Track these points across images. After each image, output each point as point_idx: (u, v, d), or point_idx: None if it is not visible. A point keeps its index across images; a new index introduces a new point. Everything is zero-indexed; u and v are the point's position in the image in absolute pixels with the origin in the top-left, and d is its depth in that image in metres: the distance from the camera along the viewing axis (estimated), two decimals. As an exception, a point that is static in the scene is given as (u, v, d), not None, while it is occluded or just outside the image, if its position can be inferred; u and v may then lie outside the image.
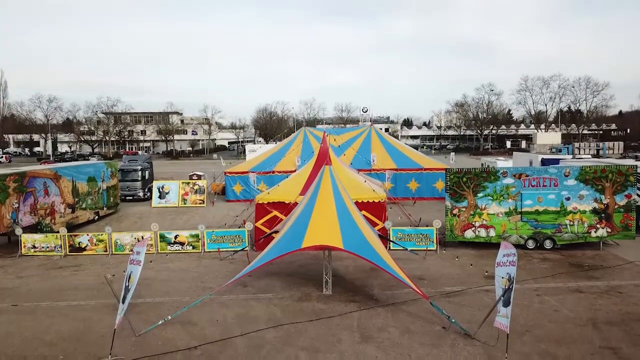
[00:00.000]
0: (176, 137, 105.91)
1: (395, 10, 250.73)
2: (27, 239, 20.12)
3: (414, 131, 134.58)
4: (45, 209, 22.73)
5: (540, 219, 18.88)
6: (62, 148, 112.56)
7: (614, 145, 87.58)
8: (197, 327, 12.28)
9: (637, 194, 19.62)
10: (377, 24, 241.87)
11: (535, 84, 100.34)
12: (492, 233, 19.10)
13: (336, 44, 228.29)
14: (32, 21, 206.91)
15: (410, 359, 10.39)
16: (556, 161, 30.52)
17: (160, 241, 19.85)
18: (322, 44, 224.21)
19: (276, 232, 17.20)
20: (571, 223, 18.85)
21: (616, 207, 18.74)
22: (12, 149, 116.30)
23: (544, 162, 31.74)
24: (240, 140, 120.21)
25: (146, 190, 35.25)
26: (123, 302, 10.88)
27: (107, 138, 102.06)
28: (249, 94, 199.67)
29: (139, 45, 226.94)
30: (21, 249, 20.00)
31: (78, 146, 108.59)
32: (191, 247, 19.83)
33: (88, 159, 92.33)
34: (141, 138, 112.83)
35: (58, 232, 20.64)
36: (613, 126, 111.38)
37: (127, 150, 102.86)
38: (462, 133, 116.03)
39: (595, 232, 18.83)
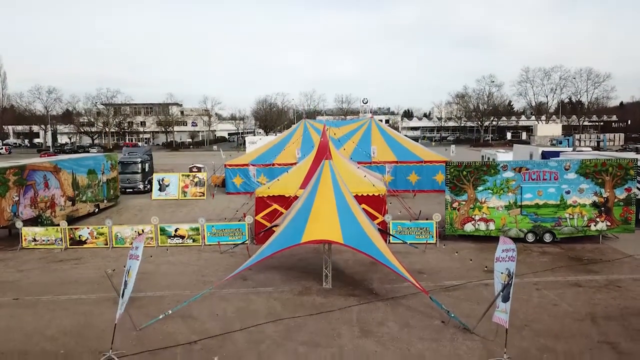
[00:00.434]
0: (176, 128, 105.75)
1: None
2: (28, 232, 20.15)
3: (414, 122, 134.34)
4: (46, 202, 22.74)
5: (540, 213, 18.90)
6: (62, 139, 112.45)
7: (614, 137, 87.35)
8: (197, 321, 12.33)
9: (638, 187, 19.62)
10: (377, 14, 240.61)
11: (537, 75, 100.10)
12: (492, 226, 19.13)
13: (337, 34, 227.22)
14: (30, 12, 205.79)
15: (409, 354, 10.45)
16: (556, 154, 30.45)
17: (161, 234, 19.88)
18: (322, 34, 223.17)
19: (276, 226, 17.22)
20: (571, 216, 18.86)
21: (616, 200, 18.74)
22: (11, 140, 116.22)
23: (545, 154, 31.67)
24: (240, 131, 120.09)
25: (146, 182, 35.26)
26: (122, 297, 10.91)
27: (107, 129, 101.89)
28: (249, 86, 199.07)
29: (139, 35, 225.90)
30: (22, 242, 20.05)
31: (78, 137, 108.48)
32: (191, 240, 19.87)
33: (88, 151, 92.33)
34: (141, 129, 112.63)
35: (58, 225, 20.67)
36: (614, 118, 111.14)
37: (127, 141, 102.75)
38: (462, 124, 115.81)
39: (594, 225, 18.85)
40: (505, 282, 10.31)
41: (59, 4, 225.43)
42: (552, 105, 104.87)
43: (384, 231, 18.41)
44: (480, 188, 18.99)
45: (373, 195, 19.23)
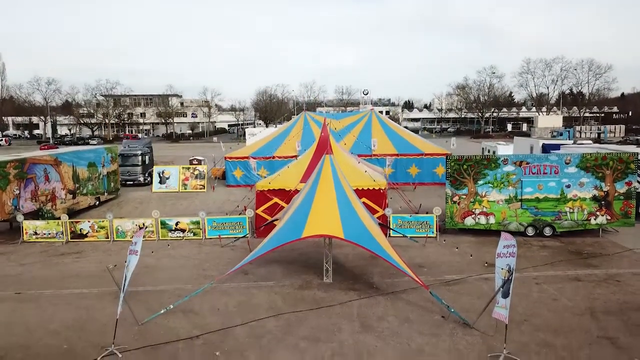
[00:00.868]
0: (176, 119, 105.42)
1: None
2: (29, 226, 20.20)
3: (414, 114, 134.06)
4: (46, 195, 22.76)
5: (540, 207, 18.92)
6: (62, 131, 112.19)
7: (615, 129, 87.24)
8: (198, 315, 12.40)
9: (638, 181, 19.64)
10: (378, 5, 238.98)
11: (538, 66, 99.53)
12: (492, 220, 19.16)
13: (337, 25, 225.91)
14: (29, 2, 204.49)
15: (409, 349, 10.52)
16: (557, 147, 30.43)
17: (161, 228, 19.93)
18: (323, 26, 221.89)
19: (277, 220, 17.25)
20: (571, 210, 18.89)
21: (616, 194, 18.76)
22: (11, 131, 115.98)
23: (545, 147, 31.65)
24: (240, 122, 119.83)
25: (146, 175, 35.28)
26: (122, 292, 10.92)
27: (107, 121, 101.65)
28: (248, 77, 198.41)
29: (138, 26, 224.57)
30: (23, 236, 20.09)
31: (78, 129, 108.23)
32: (192, 233, 19.91)
33: (88, 142, 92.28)
34: (141, 121, 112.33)
35: (59, 218, 20.71)
36: (615, 109, 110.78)
37: (127, 133, 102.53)
38: (462, 116, 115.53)
39: (594, 219, 18.89)
40: (506, 278, 10.34)
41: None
42: (553, 97, 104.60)
43: (384, 225, 18.44)
44: (480, 182, 19.00)
45: (373, 189, 19.25)
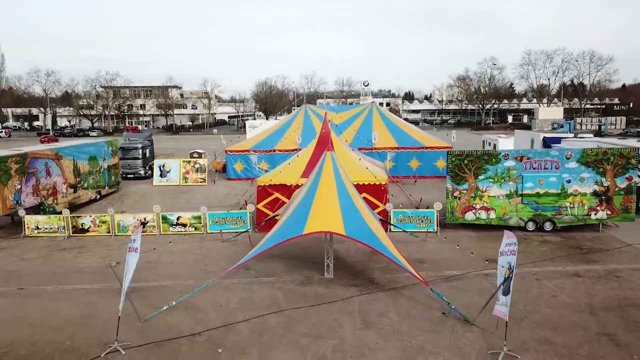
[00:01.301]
0: (176, 111, 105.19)
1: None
2: (31, 220, 20.25)
3: (415, 105, 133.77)
4: (48, 189, 22.80)
5: (540, 202, 18.95)
6: (62, 122, 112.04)
7: (616, 121, 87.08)
8: (200, 312, 12.48)
9: (639, 175, 19.66)
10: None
11: (539, 57, 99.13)
12: (493, 215, 19.21)
13: (337, 15, 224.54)
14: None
15: (410, 346, 10.60)
16: (558, 140, 30.44)
17: (163, 223, 19.99)
18: (323, 17, 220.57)
19: (278, 215, 17.29)
20: (571, 205, 18.93)
21: (617, 189, 18.78)
22: (11, 123, 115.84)
23: (546, 141, 31.64)
24: (240, 114, 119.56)
25: (147, 168, 35.30)
26: (122, 289, 10.91)
27: (107, 112, 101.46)
28: (248, 68, 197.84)
29: (138, 17, 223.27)
30: (24, 230, 20.15)
31: (77, 120, 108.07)
32: (193, 228, 19.97)
33: (88, 134, 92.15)
34: (141, 112, 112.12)
35: (61, 212, 20.77)
36: (616, 100, 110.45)
37: (127, 125, 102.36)
38: (463, 107, 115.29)
39: (595, 214, 18.93)
40: (506, 276, 10.40)
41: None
42: (553, 88, 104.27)
43: (385, 221, 18.50)
44: (481, 177, 19.01)
45: (374, 184, 19.27)
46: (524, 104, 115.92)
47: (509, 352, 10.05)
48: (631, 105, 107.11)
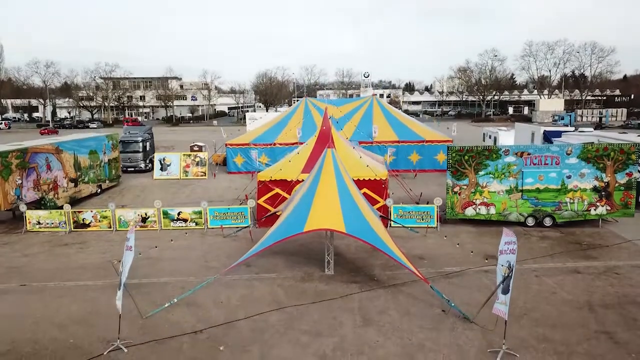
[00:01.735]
0: (176, 102, 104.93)
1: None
2: (32, 215, 20.30)
3: (415, 97, 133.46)
4: (49, 184, 22.83)
5: (540, 197, 18.99)
6: (61, 113, 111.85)
7: (617, 112, 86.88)
8: (202, 308, 12.56)
9: (639, 170, 19.69)
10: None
11: (540, 49, 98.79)
12: (493, 211, 19.25)
13: (338, 5, 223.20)
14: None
15: (410, 343, 10.68)
16: (558, 134, 30.42)
17: (164, 218, 20.04)
18: (323, 9, 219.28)
19: (278, 212, 17.32)
20: (571, 201, 18.97)
21: (617, 185, 18.81)
22: (10, 114, 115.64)
23: (547, 134, 31.61)
24: (240, 105, 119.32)
25: (147, 161, 35.31)
26: (119, 288, 10.93)
27: (106, 104, 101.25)
28: (248, 60, 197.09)
29: (137, 9, 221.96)
30: (26, 225, 20.21)
31: (77, 111, 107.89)
32: (194, 223, 20.03)
33: (87, 126, 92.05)
34: (140, 104, 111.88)
35: (62, 207, 20.82)
36: (617, 92, 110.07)
37: (127, 117, 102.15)
38: (464, 99, 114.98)
39: (594, 210, 18.97)
40: (506, 275, 10.45)
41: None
42: (555, 80, 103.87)
43: (385, 217, 18.56)
44: (481, 172, 19.03)
45: (374, 179, 19.30)
46: (525, 95, 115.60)
47: (507, 350, 10.14)
48: (632, 97, 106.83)
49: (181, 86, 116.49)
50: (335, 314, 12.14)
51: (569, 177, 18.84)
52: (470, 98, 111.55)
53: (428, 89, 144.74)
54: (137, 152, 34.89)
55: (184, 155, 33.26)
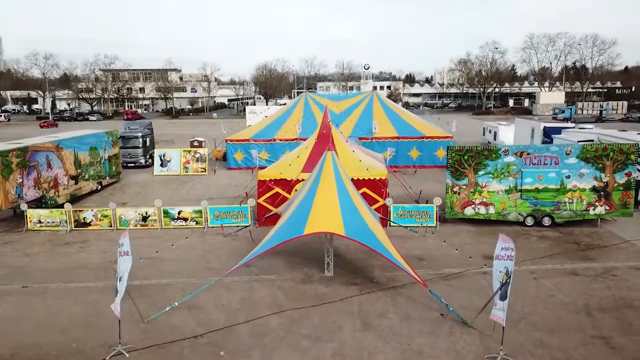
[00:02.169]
0: (175, 94, 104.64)
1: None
2: (33, 214, 20.37)
3: (416, 89, 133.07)
4: (49, 182, 22.88)
5: (539, 197, 19.06)
6: (61, 105, 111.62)
7: (617, 105, 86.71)
8: (203, 311, 12.68)
9: (638, 169, 19.75)
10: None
11: (541, 41, 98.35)
12: (492, 210, 19.33)
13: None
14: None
15: (408, 349, 10.81)
16: (558, 130, 30.42)
17: (164, 217, 20.11)
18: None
19: (278, 213, 17.38)
20: (570, 201, 19.03)
21: (616, 185, 18.86)
22: (10, 106, 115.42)
23: (547, 130, 31.60)
24: (240, 97, 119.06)
25: (147, 157, 35.34)
26: (117, 294, 10.91)
27: (106, 96, 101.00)
28: (248, 51, 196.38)
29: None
30: (27, 224, 20.29)
31: (77, 103, 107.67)
32: (194, 222, 20.11)
33: (87, 118, 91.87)
34: (140, 96, 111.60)
35: (63, 205, 20.90)
36: (618, 84, 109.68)
37: (127, 109, 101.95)
38: (464, 91, 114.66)
39: (593, 209, 19.05)
40: (503, 281, 10.54)
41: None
42: (555, 72, 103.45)
43: (384, 218, 18.64)
44: (481, 172, 19.08)
45: (374, 179, 19.34)
46: (526, 87, 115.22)
47: (505, 356, 10.26)
48: (633, 89, 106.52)
49: (181, 78, 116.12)
50: (334, 317, 12.25)
51: (568, 177, 18.88)
52: (471, 90, 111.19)
53: (428, 81, 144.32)
54: (137, 147, 34.90)
55: (184, 151, 33.28)
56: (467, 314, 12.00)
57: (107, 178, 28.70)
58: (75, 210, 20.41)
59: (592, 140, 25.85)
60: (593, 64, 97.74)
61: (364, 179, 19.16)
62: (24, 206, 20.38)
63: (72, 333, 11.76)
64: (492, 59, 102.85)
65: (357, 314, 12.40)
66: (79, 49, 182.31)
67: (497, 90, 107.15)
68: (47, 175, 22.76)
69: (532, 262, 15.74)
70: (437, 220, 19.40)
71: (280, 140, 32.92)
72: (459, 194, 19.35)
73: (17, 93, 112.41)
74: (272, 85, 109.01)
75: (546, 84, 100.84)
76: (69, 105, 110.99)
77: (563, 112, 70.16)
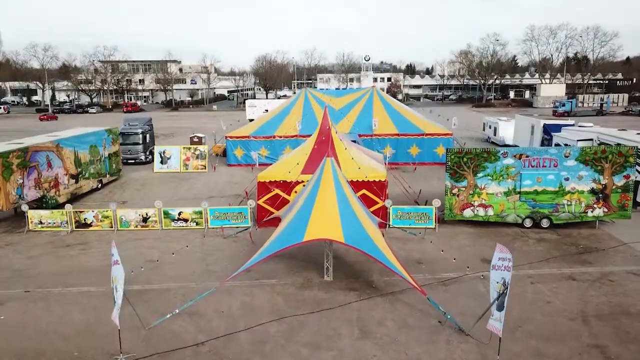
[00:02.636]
0: (175, 86, 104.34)
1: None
2: (34, 215, 20.47)
3: (416, 80, 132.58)
4: (50, 182, 22.96)
5: (538, 199, 19.14)
6: (60, 96, 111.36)
7: (618, 98, 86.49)
8: (203, 318, 12.81)
9: (638, 170, 19.81)
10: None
11: (542, 33, 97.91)
12: (491, 212, 19.42)
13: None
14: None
15: (407, 358, 10.95)
16: (558, 128, 30.42)
17: (164, 218, 20.21)
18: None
19: (278, 216, 17.47)
20: (569, 203, 19.12)
21: (614, 187, 18.93)
22: (9, 97, 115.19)
23: (546, 128, 31.60)
24: (240, 88, 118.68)
25: (147, 153, 35.38)
26: (115, 304, 11.01)
27: (105, 87, 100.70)
28: (248, 43, 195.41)
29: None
30: (28, 225, 20.40)
31: (76, 95, 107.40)
32: (195, 223, 20.21)
33: (87, 110, 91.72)
34: (140, 87, 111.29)
35: (63, 204, 21.00)
36: (619, 75, 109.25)
37: (126, 101, 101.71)
38: (464, 82, 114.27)
39: (591, 212, 19.14)
40: (500, 292, 10.64)
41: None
42: (557, 63, 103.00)
43: (383, 222, 18.76)
44: (480, 174, 19.14)
45: (374, 180, 19.42)
46: (527, 79, 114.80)
47: (501, 366, 10.41)
48: (634, 81, 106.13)
49: (180, 70, 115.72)
50: (334, 325, 12.39)
51: (566, 179, 18.95)
52: (472, 82, 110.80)
53: (429, 72, 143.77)
54: (137, 144, 34.94)
55: (184, 148, 33.32)
56: (464, 321, 12.14)
57: (108, 176, 28.78)
58: (76, 211, 20.50)
59: (592, 140, 25.92)
60: (594, 56, 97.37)
61: (363, 180, 19.25)
62: (25, 207, 20.48)
63: (74, 341, 11.90)
64: (493, 51, 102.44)
65: (356, 322, 12.54)
66: (77, 37, 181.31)
67: (497, 82, 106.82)
68: (48, 175, 22.84)
69: (530, 266, 15.86)
70: (436, 222, 19.50)
71: (280, 137, 32.96)
72: (458, 195, 19.43)
73: (17, 84, 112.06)
74: (272, 76, 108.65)
75: (547, 75, 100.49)
76: (68, 96, 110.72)
77: (563, 105, 69.99)
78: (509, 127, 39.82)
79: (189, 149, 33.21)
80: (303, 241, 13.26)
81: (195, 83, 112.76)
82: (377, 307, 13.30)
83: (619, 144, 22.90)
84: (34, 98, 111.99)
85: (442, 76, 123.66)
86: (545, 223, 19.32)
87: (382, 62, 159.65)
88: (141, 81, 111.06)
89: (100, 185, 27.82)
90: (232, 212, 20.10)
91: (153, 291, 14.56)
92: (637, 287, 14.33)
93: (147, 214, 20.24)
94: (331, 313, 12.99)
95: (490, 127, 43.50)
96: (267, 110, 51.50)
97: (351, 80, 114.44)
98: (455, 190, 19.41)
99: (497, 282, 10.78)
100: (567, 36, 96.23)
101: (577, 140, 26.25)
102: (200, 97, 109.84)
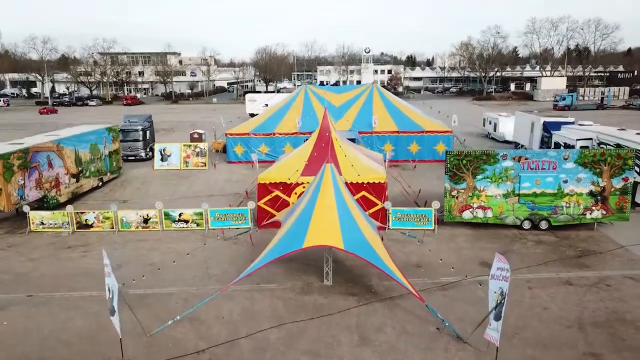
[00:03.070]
0: (175, 78, 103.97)
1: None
2: (35, 216, 20.58)
3: (417, 72, 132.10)
4: (50, 182, 23.04)
5: (537, 201, 19.22)
6: (60, 88, 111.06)
7: (619, 91, 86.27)
8: (204, 324, 12.96)
9: (637, 172, 19.86)
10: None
11: (543, 26, 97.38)
12: (489, 214, 19.52)
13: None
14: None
15: (405, 366, 11.11)
16: (558, 126, 30.40)
17: (165, 219, 20.31)
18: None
19: (278, 220, 17.56)
20: (567, 205, 19.20)
21: (612, 189, 19.01)
22: (9, 89, 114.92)
23: (546, 125, 31.57)
24: (239, 80, 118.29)
25: (148, 149, 35.43)
26: (112, 315, 11.12)
27: (105, 79, 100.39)
28: (248, 35, 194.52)
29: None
30: (29, 226, 20.51)
31: (76, 87, 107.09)
32: (195, 224, 20.32)
33: (87, 103, 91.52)
34: (139, 80, 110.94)
35: (64, 204, 21.11)
36: (620, 68, 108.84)
37: (126, 94, 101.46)
38: (465, 75, 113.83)
39: (590, 214, 19.23)
40: (498, 302, 10.77)
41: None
42: (558, 55, 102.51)
43: (382, 226, 18.87)
44: (479, 177, 19.21)
45: (373, 182, 19.50)
46: (527, 72, 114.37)
47: (498, 375, 10.56)
48: (635, 73, 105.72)
49: (180, 62, 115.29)
50: (333, 331, 12.53)
51: (565, 181, 19.03)
52: (472, 74, 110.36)
53: (429, 63, 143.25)
54: (137, 140, 34.97)
55: (184, 145, 33.34)
56: (462, 327, 12.28)
57: (108, 174, 28.85)
58: (77, 212, 20.60)
59: (591, 139, 25.94)
60: (595, 49, 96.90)
61: (363, 182, 19.34)
62: (26, 208, 20.58)
63: (76, 347, 12.06)
64: (494, 44, 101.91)
65: (355, 328, 12.68)
66: (76, 29, 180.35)
67: (498, 74, 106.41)
68: (49, 175, 22.91)
69: (528, 270, 15.98)
70: (435, 224, 19.61)
71: (280, 134, 32.98)
72: (457, 197, 19.52)
73: (16, 76, 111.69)
74: (272, 68, 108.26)
75: (548, 67, 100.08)
76: (67, 89, 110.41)
77: (564, 99, 69.83)
78: (509, 123, 39.80)
79: (189, 146, 33.24)
80: (303, 247, 13.35)
81: (195, 75, 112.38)
82: (376, 312, 13.45)
83: (618, 145, 23.05)
84: (34, 90, 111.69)
85: (442, 68, 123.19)
86: (543, 225, 19.42)
87: (382, 54, 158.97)
88: (141, 73, 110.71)
89: (101, 183, 27.90)
90: (233, 213, 20.22)
91: (154, 295, 14.69)
92: (633, 292, 14.46)
93: (147, 215, 20.34)
94: (331, 319, 13.13)
95: (490, 122, 43.49)
96: (267, 105, 51.51)
97: (351, 72, 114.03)
98: (454, 192, 19.50)
99: (495, 292, 10.91)
100: (569, 29, 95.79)
101: (577, 140, 26.28)
102: (200, 89, 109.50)
